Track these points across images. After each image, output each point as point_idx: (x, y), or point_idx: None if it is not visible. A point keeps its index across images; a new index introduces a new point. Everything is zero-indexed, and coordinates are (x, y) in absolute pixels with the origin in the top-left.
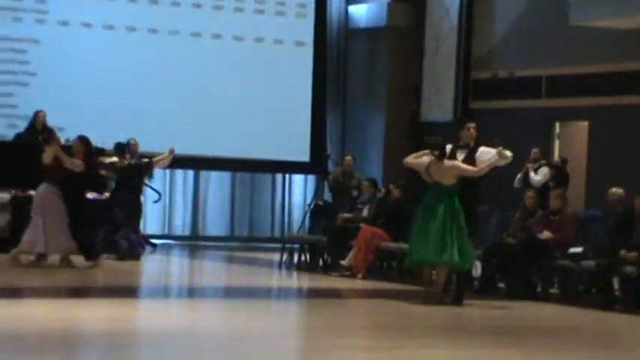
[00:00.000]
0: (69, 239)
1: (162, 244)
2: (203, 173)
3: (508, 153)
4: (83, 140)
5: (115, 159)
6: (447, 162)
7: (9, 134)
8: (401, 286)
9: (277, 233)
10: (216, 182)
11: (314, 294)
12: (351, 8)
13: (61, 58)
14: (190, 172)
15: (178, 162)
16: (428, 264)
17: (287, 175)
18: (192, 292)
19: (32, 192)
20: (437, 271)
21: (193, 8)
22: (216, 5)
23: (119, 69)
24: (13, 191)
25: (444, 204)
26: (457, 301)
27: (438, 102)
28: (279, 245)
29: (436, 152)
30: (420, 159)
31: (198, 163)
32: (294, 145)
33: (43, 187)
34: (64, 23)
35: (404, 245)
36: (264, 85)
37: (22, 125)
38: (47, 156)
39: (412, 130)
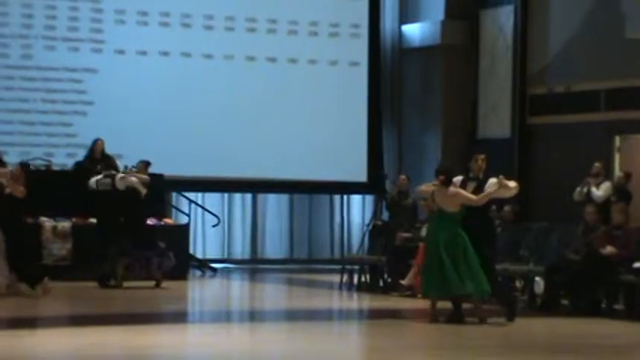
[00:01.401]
0: (7, 268)
1: (222, 269)
2: (261, 196)
3: (511, 184)
4: (25, 167)
5: (113, 172)
6: (451, 189)
7: (68, 163)
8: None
9: (337, 254)
10: (275, 205)
11: (375, 315)
12: (405, 28)
13: (118, 86)
14: (248, 196)
15: (236, 185)
16: (455, 296)
17: (345, 196)
18: (252, 316)
19: (93, 220)
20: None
21: (247, 33)
22: (270, 29)
23: (176, 95)
24: (74, 219)
25: (448, 232)
26: (509, 318)
27: (495, 119)
28: (338, 267)
29: (442, 177)
30: (430, 187)
31: (255, 186)
32: (351, 165)
33: None
34: (121, 52)
35: None
36: (320, 106)
37: (81, 154)
38: None
39: (469, 147)
